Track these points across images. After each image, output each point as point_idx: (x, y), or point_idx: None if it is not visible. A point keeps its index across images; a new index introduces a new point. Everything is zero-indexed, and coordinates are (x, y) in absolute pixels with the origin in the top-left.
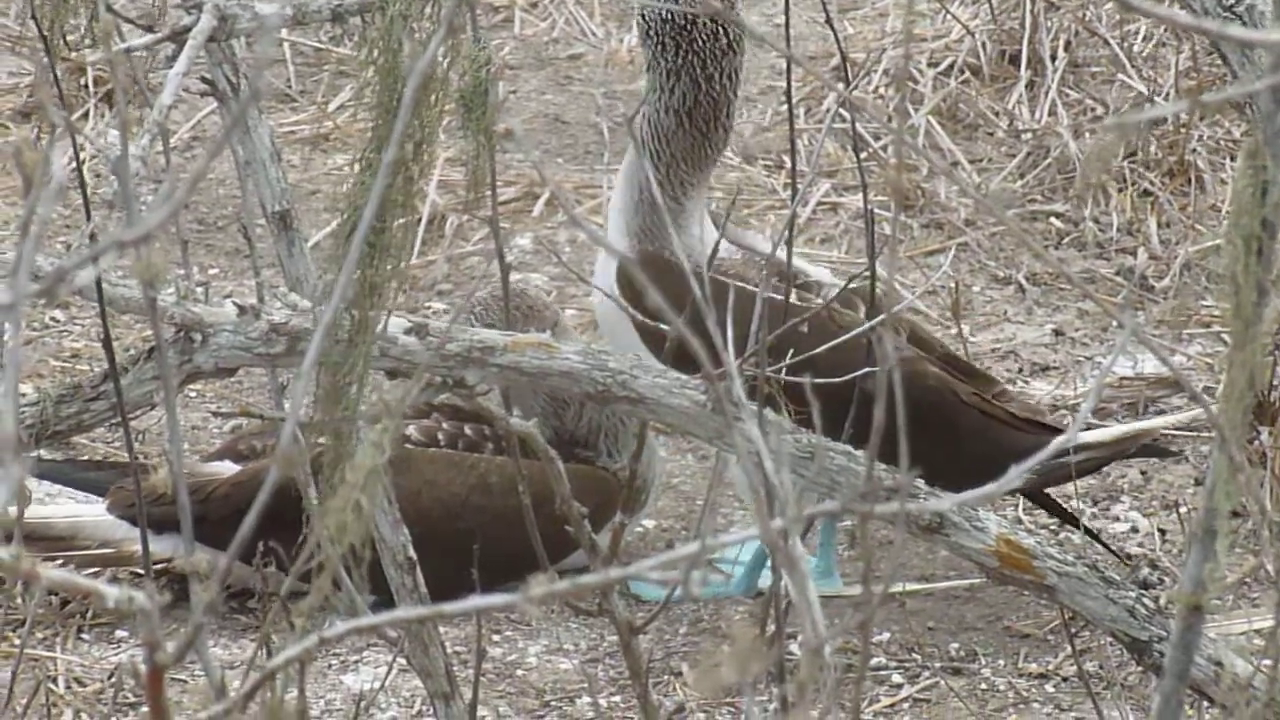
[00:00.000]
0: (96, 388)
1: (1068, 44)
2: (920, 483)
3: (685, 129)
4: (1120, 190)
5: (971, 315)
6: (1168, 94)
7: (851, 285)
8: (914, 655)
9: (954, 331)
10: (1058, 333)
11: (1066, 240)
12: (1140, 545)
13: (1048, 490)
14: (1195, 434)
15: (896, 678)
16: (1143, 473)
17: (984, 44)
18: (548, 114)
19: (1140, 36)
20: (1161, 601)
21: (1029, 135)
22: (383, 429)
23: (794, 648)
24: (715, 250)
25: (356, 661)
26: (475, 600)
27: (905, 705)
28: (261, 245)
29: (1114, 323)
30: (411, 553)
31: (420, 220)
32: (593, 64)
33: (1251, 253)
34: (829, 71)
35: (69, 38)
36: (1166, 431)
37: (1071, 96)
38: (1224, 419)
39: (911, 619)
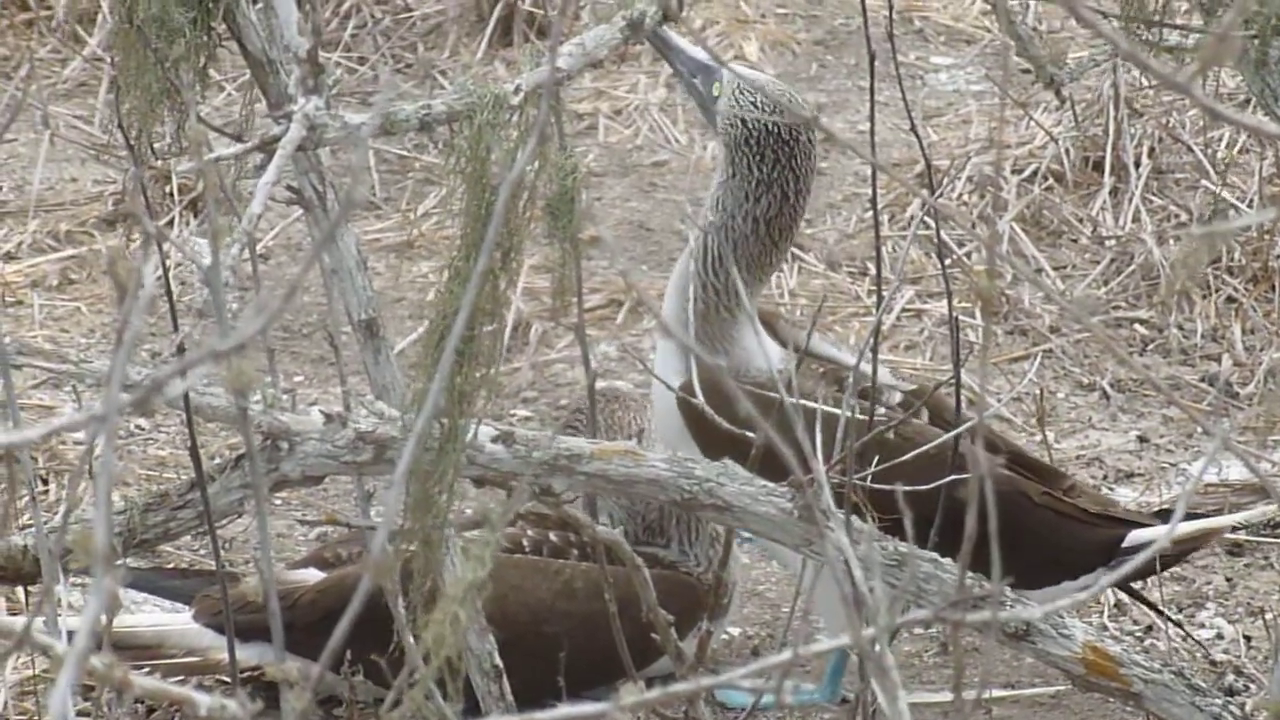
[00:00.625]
0: (183, 496)
1: (1151, 150)
2: (1008, 590)
3: (759, 237)
4: (1204, 297)
5: (1056, 422)
6: (1251, 201)
7: (936, 391)
8: None
9: (1039, 438)
10: (1142, 439)
11: (1151, 347)
12: (1225, 652)
13: (1133, 585)
14: None
15: None
16: (1228, 579)
17: (1068, 150)
18: (632, 221)
19: (1224, 143)
20: (1248, 709)
21: (1113, 241)
22: (483, 542)
23: None
24: (805, 350)
25: None
26: (565, 709)
27: None
28: (347, 353)
29: (1199, 429)
30: (498, 660)
31: (505, 328)
32: (676, 171)
33: None
34: (913, 178)
35: (155, 145)
36: (1250, 537)
37: (1155, 203)
38: None
39: None
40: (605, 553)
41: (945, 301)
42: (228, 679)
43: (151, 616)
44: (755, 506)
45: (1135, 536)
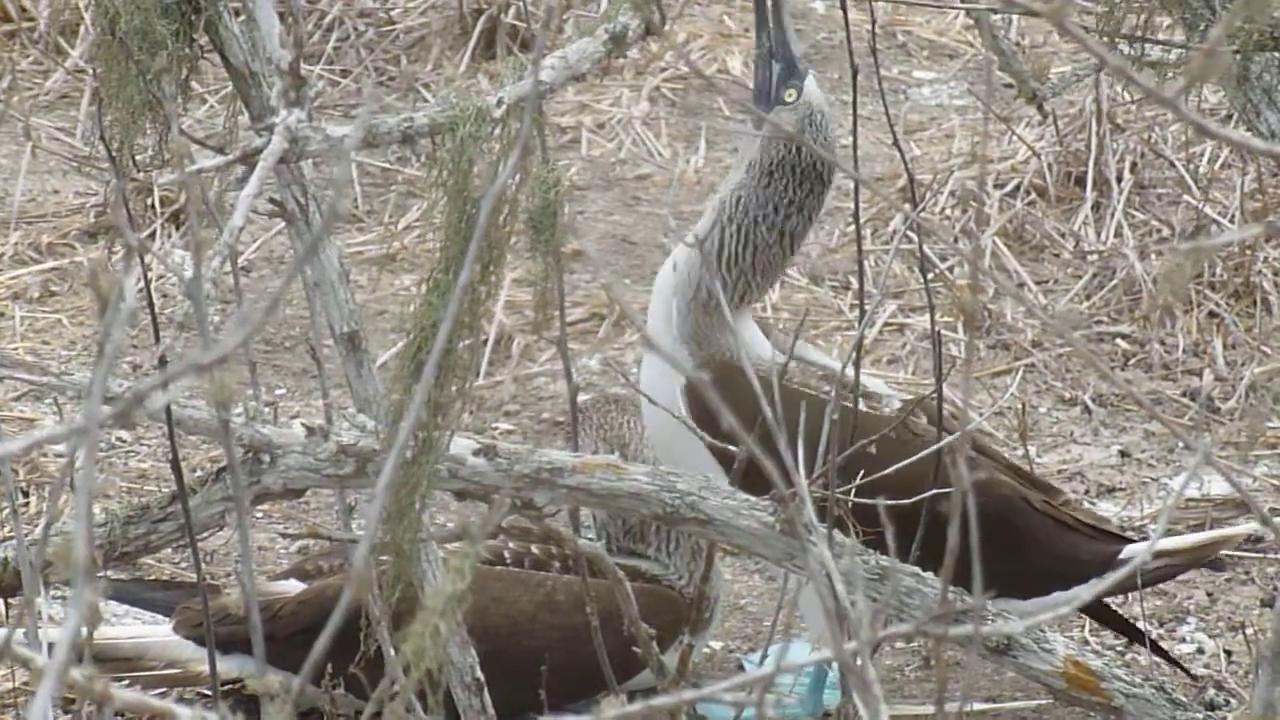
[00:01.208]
0: (164, 509)
1: (1133, 165)
2: (989, 604)
3: (779, 248)
4: (1186, 312)
5: (1038, 436)
6: (1233, 216)
7: (918, 404)
8: None
9: (1020, 452)
10: (1124, 454)
11: (1133, 361)
12: (1206, 667)
13: (1114, 602)
14: (1262, 555)
15: None
16: (1209, 594)
17: (1050, 165)
18: (615, 234)
19: (1206, 158)
20: None
21: (1095, 256)
22: (463, 554)
23: None
24: (790, 356)
25: None
26: None
27: None
28: (329, 366)
29: (1180, 444)
30: (479, 674)
31: (487, 341)
32: (660, 184)
33: None
34: (896, 193)
35: (137, 158)
36: (1231, 552)
37: (1137, 218)
38: None
39: None
40: (587, 565)
41: (928, 316)
42: (209, 691)
43: (132, 629)
44: (737, 521)
45: (1131, 551)
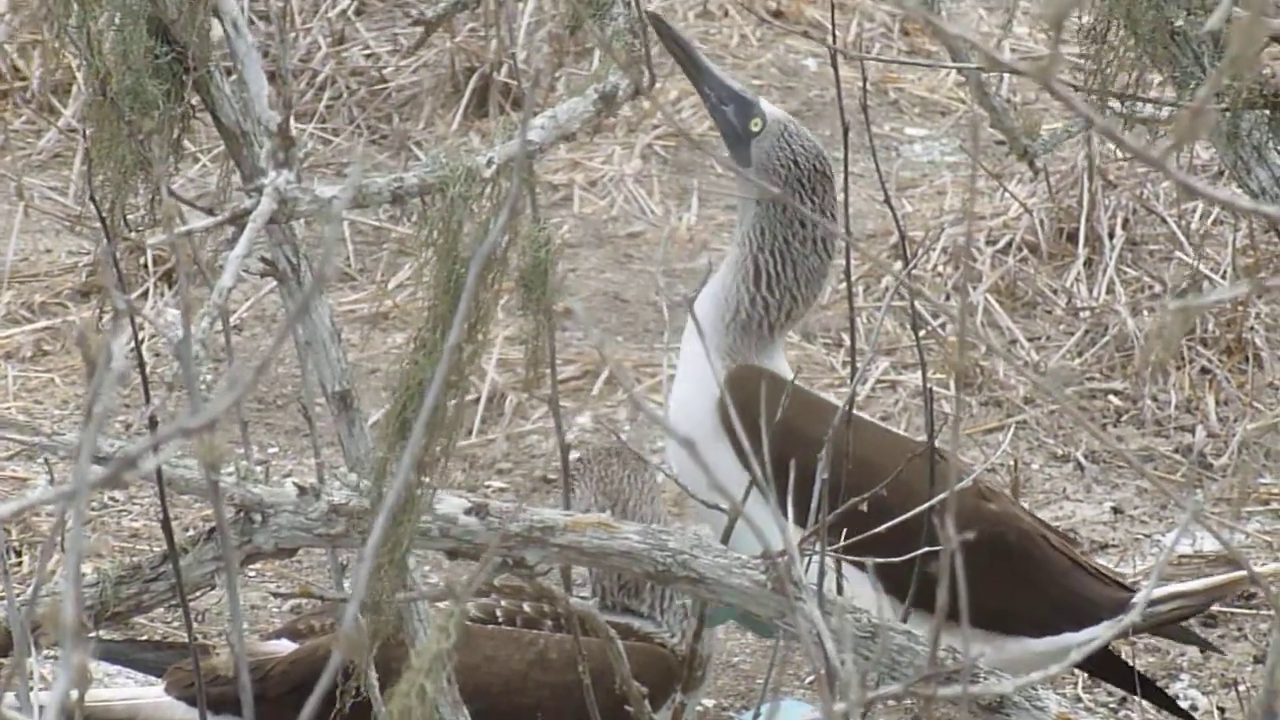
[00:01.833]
0: (156, 569)
1: (1125, 221)
2: (981, 663)
3: (817, 255)
4: (1178, 368)
5: (1031, 493)
6: (1225, 272)
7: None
8: None
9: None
10: (1117, 510)
11: (1125, 418)
12: None
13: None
14: (1254, 612)
15: None
16: (1202, 651)
17: (1042, 221)
18: (607, 292)
19: (1198, 215)
20: None
21: (1087, 313)
22: (449, 614)
23: None
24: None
25: None
26: None
27: None
28: (321, 425)
29: (1173, 501)
30: None
31: (479, 399)
32: (652, 242)
33: None
34: (887, 249)
35: (129, 217)
36: (1226, 609)
37: (1129, 274)
38: None
39: None
40: (579, 624)
41: (920, 373)
42: None
43: (124, 690)
44: (729, 579)
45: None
